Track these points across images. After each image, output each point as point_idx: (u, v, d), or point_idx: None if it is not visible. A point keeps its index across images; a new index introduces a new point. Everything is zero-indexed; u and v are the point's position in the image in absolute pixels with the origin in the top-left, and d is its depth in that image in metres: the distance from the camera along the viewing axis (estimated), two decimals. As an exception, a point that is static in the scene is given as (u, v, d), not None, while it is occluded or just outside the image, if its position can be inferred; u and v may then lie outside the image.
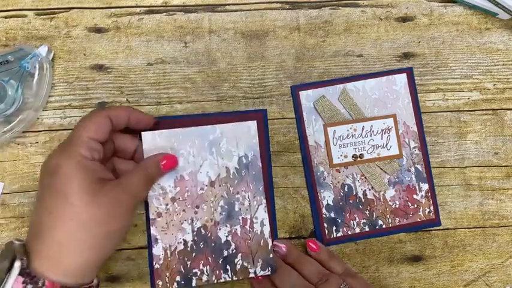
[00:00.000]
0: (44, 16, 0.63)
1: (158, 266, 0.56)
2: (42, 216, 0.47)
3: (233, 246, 0.57)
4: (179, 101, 0.62)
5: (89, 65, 0.62)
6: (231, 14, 0.64)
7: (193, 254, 0.56)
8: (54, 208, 0.47)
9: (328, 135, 0.62)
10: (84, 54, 0.62)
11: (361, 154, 0.62)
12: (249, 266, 0.56)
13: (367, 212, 0.62)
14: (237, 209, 0.57)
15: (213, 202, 0.57)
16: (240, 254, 0.57)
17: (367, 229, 0.61)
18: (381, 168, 0.62)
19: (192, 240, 0.56)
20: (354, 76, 0.64)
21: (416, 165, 0.62)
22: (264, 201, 0.58)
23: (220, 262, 0.56)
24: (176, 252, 0.56)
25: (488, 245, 0.62)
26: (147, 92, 0.62)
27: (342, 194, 0.62)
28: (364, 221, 0.61)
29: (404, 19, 0.65)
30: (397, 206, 0.62)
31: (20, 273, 0.44)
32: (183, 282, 0.56)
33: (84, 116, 0.52)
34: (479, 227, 0.63)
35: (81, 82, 0.62)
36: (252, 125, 0.59)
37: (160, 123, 0.59)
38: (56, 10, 0.63)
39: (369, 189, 0.62)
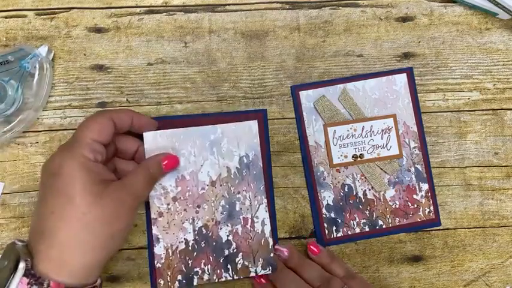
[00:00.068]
0: (44, 16, 0.65)
1: (160, 265, 0.59)
2: (44, 217, 0.49)
3: (234, 245, 0.60)
4: (179, 101, 0.65)
5: (89, 65, 0.65)
6: (231, 14, 0.67)
7: (195, 253, 0.59)
8: (57, 209, 0.49)
9: (328, 135, 0.65)
10: (84, 54, 0.65)
11: (361, 154, 0.65)
12: (249, 265, 0.60)
13: (367, 212, 0.64)
14: (238, 208, 0.60)
15: (214, 202, 0.60)
16: (241, 253, 0.60)
17: (367, 229, 0.64)
18: (381, 168, 0.65)
19: (193, 240, 0.60)
20: (354, 76, 0.66)
21: (416, 165, 0.65)
22: (265, 200, 0.61)
23: (221, 261, 0.60)
24: (177, 252, 0.59)
25: (488, 245, 0.65)
26: (147, 92, 0.65)
27: (342, 194, 0.65)
28: (364, 221, 0.64)
29: (404, 19, 0.68)
30: (397, 206, 0.65)
31: (25, 274, 0.46)
32: (184, 281, 0.59)
33: (88, 117, 0.54)
34: (479, 227, 0.65)
35: (81, 82, 0.65)
36: (253, 124, 0.62)
37: (161, 123, 0.61)
38: (56, 10, 0.66)
39: (369, 189, 0.65)
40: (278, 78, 0.66)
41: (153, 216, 0.59)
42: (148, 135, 0.59)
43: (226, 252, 0.60)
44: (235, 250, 0.60)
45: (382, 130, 0.65)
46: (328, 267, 0.61)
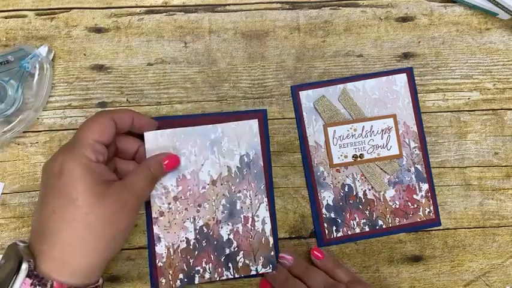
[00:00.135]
0: (44, 16, 0.68)
1: (161, 264, 0.62)
2: (46, 217, 0.51)
3: (235, 244, 0.63)
4: (179, 101, 0.68)
5: (89, 65, 0.68)
6: (231, 14, 0.70)
7: (196, 252, 0.63)
8: (58, 209, 0.50)
9: (328, 135, 0.68)
10: (84, 54, 0.68)
11: (361, 154, 0.68)
12: (250, 264, 0.63)
13: (367, 212, 0.67)
14: (238, 207, 0.64)
15: (215, 201, 0.63)
16: (241, 252, 0.63)
17: (367, 229, 0.67)
18: (381, 168, 0.68)
19: (194, 239, 0.63)
20: (354, 76, 0.69)
21: (416, 165, 0.68)
22: (266, 199, 0.64)
23: (222, 260, 0.63)
24: (179, 251, 0.62)
25: (488, 245, 0.68)
26: (147, 92, 0.68)
27: (342, 194, 0.67)
28: (364, 221, 0.67)
29: (404, 19, 0.71)
30: (397, 206, 0.67)
31: (28, 275, 0.48)
32: (185, 279, 0.62)
33: (89, 117, 0.57)
34: (479, 227, 0.68)
35: (81, 82, 0.67)
36: (254, 123, 0.65)
37: (161, 123, 0.64)
38: (56, 10, 0.69)
39: (369, 189, 0.67)
40: (278, 78, 0.69)
41: (154, 215, 0.62)
42: (149, 135, 0.62)
43: (227, 250, 0.63)
44: (236, 249, 0.63)
45: (382, 130, 0.68)
46: (332, 272, 0.63)
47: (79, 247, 0.51)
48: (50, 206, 0.51)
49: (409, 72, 0.69)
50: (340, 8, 0.71)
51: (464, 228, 0.68)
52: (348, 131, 0.68)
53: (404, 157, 0.68)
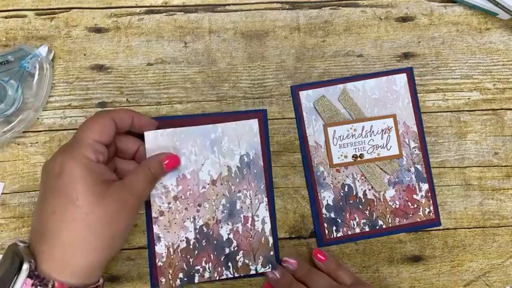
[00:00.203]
0: (44, 16, 0.69)
1: (161, 264, 0.63)
2: (45, 217, 0.52)
3: (235, 243, 0.64)
4: (179, 101, 0.69)
5: (89, 65, 0.68)
6: (231, 14, 0.70)
7: (196, 252, 0.63)
8: (58, 209, 0.51)
9: (328, 135, 0.68)
10: (84, 54, 0.69)
11: (361, 154, 0.68)
12: (250, 263, 0.63)
13: (367, 212, 0.68)
14: (238, 207, 0.64)
15: (215, 200, 0.64)
16: (241, 252, 0.64)
17: (367, 229, 0.68)
18: (381, 168, 0.68)
19: (194, 238, 0.63)
20: (354, 76, 0.70)
21: (416, 165, 0.69)
22: (265, 199, 0.65)
23: (222, 259, 0.63)
24: (179, 250, 0.63)
25: (488, 245, 0.69)
26: (147, 92, 0.68)
27: (342, 194, 0.68)
28: (364, 221, 0.68)
29: (404, 19, 0.71)
30: (397, 206, 0.68)
31: (29, 276, 0.48)
32: (185, 279, 0.63)
33: (89, 117, 0.57)
34: (479, 227, 0.69)
35: (81, 82, 0.68)
36: (254, 123, 0.66)
37: (161, 123, 0.64)
38: (56, 10, 0.69)
39: (369, 189, 0.68)
40: (278, 78, 0.70)
41: (154, 215, 0.63)
42: (149, 135, 0.62)
43: (227, 250, 0.64)
44: (235, 248, 0.64)
45: (382, 130, 0.68)
46: (334, 274, 0.64)
47: (79, 247, 0.51)
48: (49, 206, 0.52)
49: (409, 72, 0.70)
50: (340, 8, 0.71)
51: (464, 228, 0.69)
52: (348, 131, 0.68)
53: (404, 157, 0.69)
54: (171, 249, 0.63)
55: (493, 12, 0.70)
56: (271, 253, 0.64)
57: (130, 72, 0.69)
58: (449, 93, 0.70)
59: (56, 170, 0.52)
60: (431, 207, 0.68)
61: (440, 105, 0.70)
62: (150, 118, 0.63)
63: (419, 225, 0.68)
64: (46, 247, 0.51)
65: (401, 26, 0.71)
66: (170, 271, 0.63)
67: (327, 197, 0.68)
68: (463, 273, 0.68)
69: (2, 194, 0.66)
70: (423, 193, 0.68)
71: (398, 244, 0.68)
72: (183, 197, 0.63)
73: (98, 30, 0.69)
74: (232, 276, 0.64)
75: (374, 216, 0.68)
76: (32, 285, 0.48)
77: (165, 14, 0.70)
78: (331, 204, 0.68)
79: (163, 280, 0.63)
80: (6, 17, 0.69)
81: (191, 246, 0.63)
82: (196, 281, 0.63)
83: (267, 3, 0.71)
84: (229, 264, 0.64)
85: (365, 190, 0.68)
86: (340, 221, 0.68)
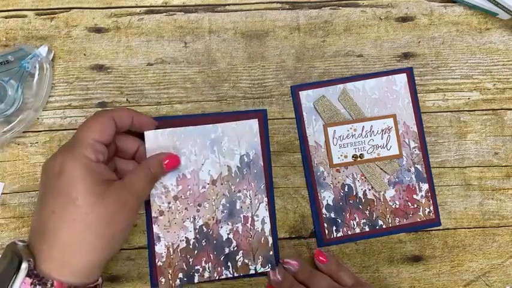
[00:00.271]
0: (44, 16, 0.69)
1: (161, 264, 0.63)
2: (45, 217, 0.52)
3: (234, 243, 0.64)
4: (179, 101, 0.69)
5: (89, 65, 0.69)
6: (231, 14, 0.71)
7: (195, 252, 0.64)
8: (57, 209, 0.51)
9: (328, 135, 0.69)
10: (84, 54, 0.69)
11: (361, 154, 0.68)
12: (249, 263, 0.64)
13: (367, 212, 0.68)
14: (238, 207, 0.65)
15: (215, 200, 0.64)
16: (241, 251, 0.64)
17: (367, 229, 0.68)
18: (381, 168, 0.69)
19: (194, 238, 0.64)
20: (354, 76, 0.70)
21: (416, 165, 0.69)
22: (265, 199, 0.65)
23: (221, 259, 0.64)
24: (178, 250, 0.64)
25: (488, 245, 0.69)
26: (147, 92, 0.69)
27: (342, 194, 0.68)
28: (364, 221, 0.68)
29: (404, 19, 0.72)
30: (397, 206, 0.68)
31: (28, 275, 0.48)
32: (185, 279, 0.63)
33: (88, 117, 0.57)
34: (479, 227, 0.69)
35: (81, 82, 0.68)
36: (254, 123, 0.66)
37: (161, 123, 0.64)
38: (56, 10, 0.70)
39: (369, 189, 0.68)
40: (278, 78, 0.70)
41: (154, 214, 0.63)
42: (149, 134, 0.63)
43: (227, 250, 0.64)
44: (235, 248, 0.64)
45: (382, 130, 0.69)
46: (335, 275, 0.64)
47: (79, 247, 0.51)
48: (49, 205, 0.52)
49: (409, 72, 0.70)
50: (340, 8, 0.72)
51: (464, 228, 0.69)
52: (348, 131, 0.69)
53: (404, 157, 0.69)
54: (170, 249, 0.64)
55: (493, 12, 0.71)
56: (271, 253, 0.64)
57: (130, 72, 0.69)
58: (449, 93, 0.71)
59: (56, 169, 0.52)
60: (431, 207, 0.69)
61: (440, 105, 0.70)
62: (150, 117, 0.64)
63: (419, 225, 0.68)
64: (45, 246, 0.51)
65: (401, 26, 0.72)
66: (170, 271, 0.63)
67: (327, 197, 0.68)
68: (463, 273, 0.68)
69: (2, 194, 0.66)
70: (423, 193, 0.69)
71: (398, 244, 0.68)
72: (183, 197, 0.64)
73: (98, 30, 0.69)
74: (231, 276, 0.64)
75: (374, 216, 0.68)
76: (31, 284, 0.48)
77: (165, 14, 0.70)
78: (331, 204, 0.68)
79: (163, 280, 0.63)
80: (6, 17, 0.69)
81: (191, 246, 0.64)
82: (196, 280, 0.63)
83: (267, 3, 0.71)
84: (229, 264, 0.64)
85: (365, 190, 0.68)
86: (340, 221, 0.68)
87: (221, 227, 0.64)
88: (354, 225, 0.68)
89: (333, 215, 0.68)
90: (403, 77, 0.70)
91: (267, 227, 0.65)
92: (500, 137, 0.70)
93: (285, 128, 0.69)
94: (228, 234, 0.64)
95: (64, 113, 0.68)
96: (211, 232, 0.64)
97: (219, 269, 0.64)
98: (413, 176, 0.69)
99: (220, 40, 0.70)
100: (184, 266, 0.63)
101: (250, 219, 0.65)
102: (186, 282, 0.63)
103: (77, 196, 0.51)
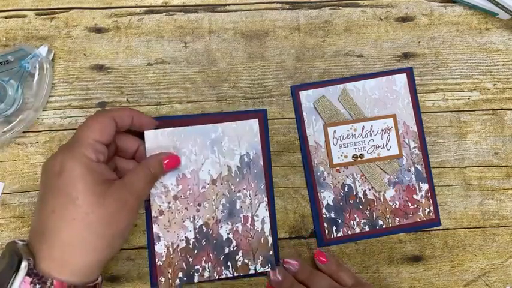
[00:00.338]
0: (44, 16, 0.70)
1: (161, 263, 0.64)
2: (45, 217, 0.52)
3: (234, 243, 0.65)
4: (179, 101, 0.69)
5: (89, 65, 0.69)
6: (231, 14, 0.71)
7: (195, 251, 0.64)
8: (57, 208, 0.51)
9: (328, 135, 0.69)
10: (84, 54, 0.69)
11: (361, 154, 0.69)
12: (249, 263, 0.64)
13: (367, 212, 0.68)
14: (238, 207, 0.65)
15: (215, 200, 0.65)
16: (241, 251, 0.64)
17: (367, 229, 0.68)
18: (381, 168, 0.69)
19: (194, 238, 0.64)
20: (354, 76, 0.71)
21: (416, 165, 0.69)
22: (265, 199, 0.66)
23: (221, 259, 0.64)
24: (178, 250, 0.64)
25: (488, 245, 0.69)
26: (147, 92, 0.69)
27: (342, 194, 0.69)
28: (364, 221, 0.68)
29: (404, 19, 0.72)
30: (397, 206, 0.69)
31: (27, 274, 0.48)
32: (185, 278, 0.64)
33: (89, 116, 0.58)
34: (479, 227, 0.69)
35: (81, 82, 0.69)
36: (254, 123, 0.66)
37: (161, 123, 0.65)
38: (56, 10, 0.70)
39: (369, 189, 0.69)
40: (278, 78, 0.70)
41: (154, 214, 0.64)
42: (149, 134, 0.63)
43: (227, 250, 0.64)
44: (235, 248, 0.64)
45: (382, 130, 0.69)
46: (336, 275, 0.64)
47: (78, 247, 0.51)
48: (49, 205, 0.52)
49: (409, 72, 0.71)
50: (340, 8, 0.72)
51: (464, 228, 0.69)
52: (348, 131, 0.69)
53: (404, 157, 0.69)
54: (170, 249, 0.64)
55: (493, 12, 0.71)
56: (271, 253, 0.65)
57: (130, 72, 0.69)
58: (449, 93, 0.71)
59: (56, 169, 0.52)
60: (431, 207, 0.69)
61: (440, 105, 0.71)
62: (150, 117, 0.64)
63: (419, 225, 0.69)
64: (45, 246, 0.51)
65: (401, 26, 0.72)
66: (170, 270, 0.64)
67: (327, 197, 0.68)
68: (463, 273, 0.69)
69: (2, 194, 0.67)
70: (423, 193, 0.69)
71: (398, 244, 0.69)
72: (183, 197, 0.64)
73: (98, 30, 0.70)
74: (231, 275, 0.64)
75: (374, 216, 0.68)
76: (31, 283, 0.48)
77: (165, 14, 0.70)
78: (331, 204, 0.68)
79: (163, 279, 0.63)
80: (6, 17, 0.69)
81: (191, 246, 0.64)
82: (195, 280, 0.64)
83: (267, 3, 0.71)
84: (229, 263, 0.64)
85: (365, 190, 0.69)
86: (340, 221, 0.68)
87: (221, 227, 0.65)
88: (354, 225, 0.68)
89: (333, 215, 0.68)
90: (403, 77, 0.70)
91: (267, 227, 0.65)
92: (500, 137, 0.71)
93: (285, 128, 0.70)
94: (228, 234, 0.65)
95: (64, 113, 0.68)
96: (211, 232, 0.64)
97: (218, 268, 0.64)
98: (413, 176, 0.69)
99: (220, 40, 0.70)
100: (184, 266, 0.64)
101: (250, 219, 0.65)
102: (186, 282, 0.64)
103: (77, 196, 0.51)
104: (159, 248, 0.64)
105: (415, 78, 0.71)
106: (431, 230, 0.69)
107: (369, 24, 0.72)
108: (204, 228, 0.64)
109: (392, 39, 0.72)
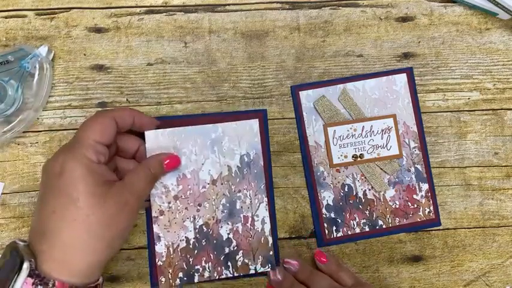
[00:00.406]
0: (44, 16, 0.70)
1: (161, 263, 0.64)
2: (46, 218, 0.52)
3: (234, 243, 0.65)
4: (179, 101, 0.69)
5: (89, 65, 0.69)
6: (231, 14, 0.71)
7: (196, 251, 0.64)
8: (58, 209, 0.51)
9: (328, 135, 0.69)
10: (84, 54, 0.69)
11: (361, 154, 0.69)
12: (249, 263, 0.64)
13: (367, 212, 0.69)
14: (238, 207, 0.65)
15: (215, 200, 0.65)
16: (241, 251, 0.65)
17: (367, 229, 0.68)
18: (381, 168, 0.69)
19: (194, 238, 0.64)
20: (354, 76, 0.71)
21: (416, 165, 0.70)
22: (265, 199, 0.66)
23: (221, 259, 0.64)
24: (179, 250, 0.64)
25: (488, 245, 0.69)
26: (147, 92, 0.69)
27: (342, 194, 0.69)
28: (364, 221, 0.69)
29: (404, 19, 0.72)
30: (397, 206, 0.69)
31: (29, 275, 0.49)
32: (185, 278, 0.64)
33: (89, 117, 0.58)
34: (479, 227, 0.70)
35: (81, 82, 0.69)
36: (254, 123, 0.66)
37: (161, 123, 0.65)
38: (56, 10, 0.70)
39: (369, 189, 0.69)
40: (278, 78, 0.70)
41: (154, 214, 0.64)
42: (149, 134, 0.63)
43: (227, 250, 0.65)
44: (235, 248, 0.65)
45: (382, 130, 0.69)
46: (336, 275, 0.65)
47: (79, 248, 0.52)
48: (50, 205, 0.52)
49: (409, 72, 0.71)
50: (340, 8, 0.72)
51: (464, 228, 0.69)
52: (348, 131, 0.69)
53: (404, 157, 0.69)
54: (171, 249, 0.64)
55: (493, 12, 0.71)
56: (271, 253, 0.65)
57: (130, 72, 0.69)
58: (449, 93, 0.71)
59: (57, 169, 0.53)
60: (431, 207, 0.69)
61: (440, 105, 0.71)
62: (151, 117, 0.64)
63: (419, 225, 0.69)
64: (46, 247, 0.51)
65: (401, 26, 0.72)
66: (170, 270, 0.64)
67: (327, 197, 0.69)
68: (463, 273, 0.69)
69: (2, 194, 0.67)
70: (423, 193, 0.69)
71: (398, 244, 0.69)
72: (183, 197, 0.64)
73: (98, 30, 0.70)
74: (231, 275, 0.65)
75: (374, 216, 0.68)
76: (33, 284, 0.49)
77: (165, 14, 0.71)
78: (331, 204, 0.69)
79: (163, 279, 0.64)
80: (6, 17, 0.70)
81: (191, 246, 0.64)
82: (196, 280, 0.64)
83: (267, 3, 0.72)
84: (229, 263, 0.64)
85: (365, 190, 0.69)
86: (340, 221, 0.68)
87: (221, 227, 0.65)
88: (354, 225, 0.68)
89: (333, 215, 0.68)
90: (403, 77, 0.71)
91: (267, 227, 0.66)
92: (500, 137, 0.71)
93: (285, 128, 0.70)
94: (228, 234, 0.65)
95: (64, 113, 0.68)
96: (211, 232, 0.65)
97: (219, 268, 0.64)
98: (413, 176, 0.69)
99: (220, 40, 0.71)
100: (185, 266, 0.64)
101: (250, 219, 0.65)
102: (186, 282, 0.64)
103: (78, 197, 0.51)
104: (159, 248, 0.64)
105: (415, 78, 0.71)
106: (431, 230, 0.69)
107: (369, 24, 0.72)
108: (204, 228, 0.64)
109: (392, 39, 0.72)
